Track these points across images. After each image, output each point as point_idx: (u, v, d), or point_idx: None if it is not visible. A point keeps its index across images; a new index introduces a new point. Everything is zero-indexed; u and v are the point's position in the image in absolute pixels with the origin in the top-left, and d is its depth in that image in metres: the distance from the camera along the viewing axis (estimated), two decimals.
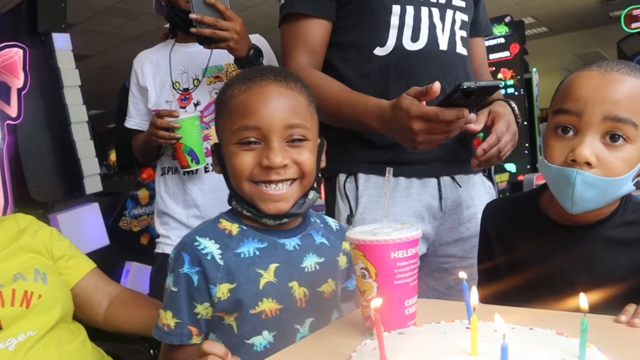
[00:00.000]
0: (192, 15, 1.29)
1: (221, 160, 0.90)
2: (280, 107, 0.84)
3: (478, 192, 1.30)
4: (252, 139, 0.83)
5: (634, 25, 8.65)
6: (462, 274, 0.66)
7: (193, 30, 1.31)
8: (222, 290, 0.83)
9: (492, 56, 6.23)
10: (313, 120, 0.89)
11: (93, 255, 1.31)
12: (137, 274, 3.37)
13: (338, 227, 1.00)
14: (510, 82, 5.82)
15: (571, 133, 0.85)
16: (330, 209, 1.28)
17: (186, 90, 1.60)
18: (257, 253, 0.86)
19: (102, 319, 1.21)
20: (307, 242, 0.91)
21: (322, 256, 0.92)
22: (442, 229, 1.25)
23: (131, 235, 3.99)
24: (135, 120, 1.72)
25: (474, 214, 1.27)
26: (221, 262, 0.84)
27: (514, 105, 1.23)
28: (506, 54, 6.12)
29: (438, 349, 0.52)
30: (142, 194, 4.20)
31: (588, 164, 0.81)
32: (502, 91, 5.52)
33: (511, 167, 5.36)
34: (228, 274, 0.83)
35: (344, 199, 1.22)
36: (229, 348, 0.80)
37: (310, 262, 0.90)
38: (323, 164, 0.94)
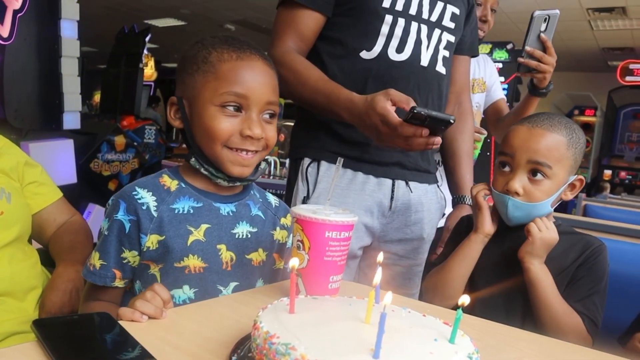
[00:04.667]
0: (527, 49, 1.49)
1: (184, 115, 0.93)
2: (265, 83, 0.92)
3: (429, 200, 1.39)
4: (237, 106, 0.89)
5: (628, 78, 8.89)
6: (379, 257, 0.75)
7: (521, 60, 1.50)
8: (151, 240, 0.88)
9: None
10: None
11: None
12: (97, 217, 3.39)
13: (278, 204, 1.06)
14: None
15: (507, 169, 1.14)
16: (291, 188, 1.36)
17: None
18: (192, 211, 0.91)
19: (48, 244, 1.27)
20: (242, 210, 0.97)
21: (256, 227, 0.98)
22: (389, 227, 1.34)
23: (100, 178, 4.00)
24: None
25: (420, 219, 1.36)
26: (155, 214, 0.89)
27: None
28: (501, 79, 6.23)
29: (339, 313, 0.61)
30: (119, 140, 4.20)
31: (517, 193, 1.11)
32: None
33: None
34: (160, 226, 0.88)
35: (304, 181, 1.30)
36: None
37: (243, 229, 0.96)
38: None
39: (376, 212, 1.31)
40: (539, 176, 1.10)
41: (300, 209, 0.82)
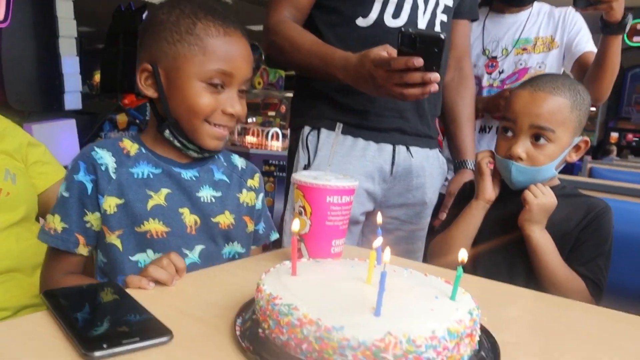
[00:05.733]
0: None
1: (160, 84, 0.89)
2: (248, 60, 0.91)
3: (430, 165, 1.39)
4: (222, 83, 0.88)
5: (635, 38, 8.72)
6: (379, 219, 0.75)
7: None
8: (109, 203, 0.86)
9: None
10: None
11: None
12: None
13: (244, 166, 1.05)
14: None
15: (510, 134, 1.13)
16: (292, 157, 1.36)
17: (494, 58, 1.79)
18: (151, 176, 0.90)
19: None
20: (206, 175, 0.96)
21: (219, 191, 0.96)
22: (390, 192, 1.35)
23: None
24: None
25: (422, 183, 1.37)
26: (114, 176, 0.87)
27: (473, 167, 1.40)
28: None
29: (340, 274, 0.62)
30: (121, 118, 4.21)
31: (520, 158, 1.11)
32: None
33: None
34: (118, 189, 0.87)
35: (304, 149, 1.30)
36: (115, 266, 0.87)
37: (206, 193, 0.94)
38: None
39: (377, 177, 1.31)
40: (542, 140, 1.09)
41: (301, 175, 0.82)
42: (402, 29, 0.94)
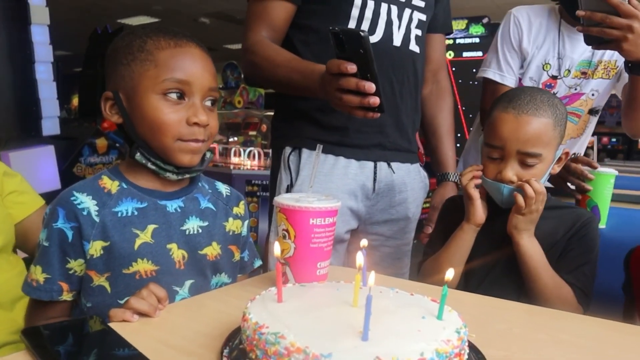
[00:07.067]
0: (579, 12, 1.19)
1: (122, 108, 0.88)
2: (205, 69, 0.90)
3: (412, 180, 1.40)
4: (179, 93, 0.86)
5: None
6: (363, 242, 0.75)
7: (579, 28, 1.23)
8: (95, 248, 0.84)
9: (466, 54, 6.43)
10: None
11: (43, 197, 1.34)
12: None
13: (229, 193, 1.02)
14: None
15: (497, 157, 1.13)
16: (274, 178, 1.36)
17: (554, 77, 1.58)
18: (136, 213, 0.87)
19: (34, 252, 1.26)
20: (191, 205, 0.93)
21: (206, 220, 0.94)
22: (374, 209, 1.35)
23: None
24: (497, 73, 1.61)
25: (404, 198, 1.37)
26: (97, 219, 0.84)
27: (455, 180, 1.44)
28: (479, 53, 6.28)
29: (326, 298, 0.62)
30: (101, 142, 4.17)
31: (511, 181, 1.11)
32: None
33: None
34: (103, 232, 0.84)
35: (286, 170, 1.30)
36: (102, 309, 0.82)
37: (193, 224, 0.92)
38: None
39: (360, 195, 1.32)
40: (530, 162, 1.10)
41: (283, 198, 0.82)
42: (330, 27, 0.94)
